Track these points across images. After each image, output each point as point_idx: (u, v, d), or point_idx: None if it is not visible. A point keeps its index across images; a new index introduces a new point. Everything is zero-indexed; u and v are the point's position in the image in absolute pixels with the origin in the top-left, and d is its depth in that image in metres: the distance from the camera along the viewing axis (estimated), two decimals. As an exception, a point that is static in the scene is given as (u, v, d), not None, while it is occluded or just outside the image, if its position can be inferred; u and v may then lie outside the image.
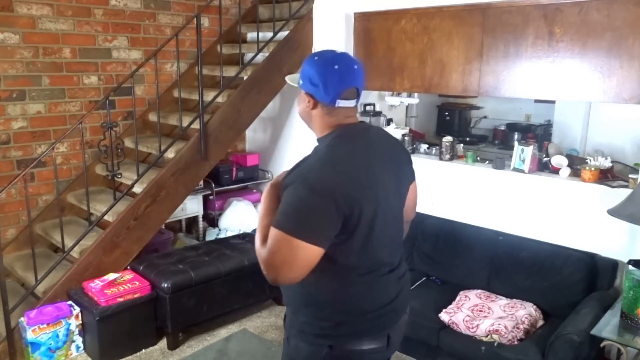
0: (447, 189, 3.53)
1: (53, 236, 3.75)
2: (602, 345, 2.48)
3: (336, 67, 1.51)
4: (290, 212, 1.40)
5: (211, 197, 4.86)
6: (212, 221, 4.94)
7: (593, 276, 2.88)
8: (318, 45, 4.06)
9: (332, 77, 1.50)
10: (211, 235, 4.73)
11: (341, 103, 1.52)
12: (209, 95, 3.98)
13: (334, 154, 1.49)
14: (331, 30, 3.94)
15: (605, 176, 2.98)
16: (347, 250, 1.49)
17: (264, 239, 1.44)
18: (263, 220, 1.50)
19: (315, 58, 1.55)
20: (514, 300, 3.02)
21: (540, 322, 2.88)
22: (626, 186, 2.84)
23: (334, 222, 1.41)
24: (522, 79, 3.15)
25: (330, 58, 1.54)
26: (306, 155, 1.56)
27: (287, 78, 1.68)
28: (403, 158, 1.69)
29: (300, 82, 1.57)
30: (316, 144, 1.59)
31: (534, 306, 2.93)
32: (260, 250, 1.44)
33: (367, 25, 3.85)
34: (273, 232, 1.40)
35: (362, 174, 1.49)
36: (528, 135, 4.50)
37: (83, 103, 4.12)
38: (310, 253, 1.39)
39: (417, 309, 3.05)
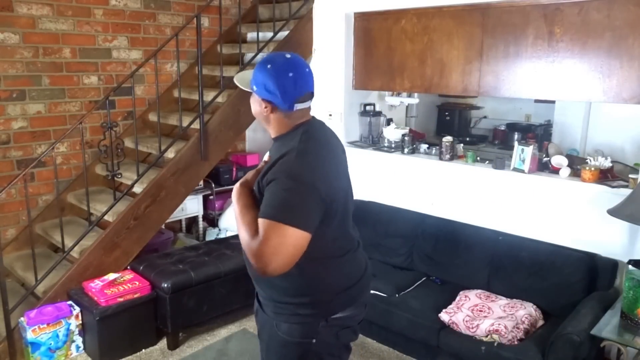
0: (447, 189, 3.53)
1: (53, 236, 3.75)
2: (602, 345, 2.48)
3: (290, 74, 1.58)
4: (277, 202, 1.48)
5: (211, 197, 4.86)
6: (212, 221, 4.95)
7: (593, 276, 2.88)
8: (318, 45, 4.06)
9: (288, 85, 1.58)
10: (211, 235, 4.73)
11: (298, 106, 1.63)
12: (209, 95, 3.99)
13: (309, 150, 1.59)
14: (331, 30, 3.94)
15: (605, 176, 2.98)
16: (327, 238, 1.62)
17: (254, 233, 1.48)
18: (245, 217, 1.55)
19: (268, 67, 1.59)
20: (514, 300, 3.02)
21: (540, 322, 2.88)
22: (626, 186, 2.84)
23: (318, 209, 1.53)
24: (522, 79, 3.15)
25: (282, 65, 1.59)
26: (281, 154, 1.58)
27: (237, 80, 1.69)
28: (341, 147, 1.83)
29: (255, 88, 1.63)
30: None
31: (534, 306, 2.93)
32: (251, 242, 1.48)
33: (367, 25, 3.85)
34: (263, 222, 1.46)
35: (333, 165, 1.66)
36: (528, 135, 4.50)
37: (83, 103, 4.12)
38: (299, 238, 1.46)
39: (417, 309, 3.06)
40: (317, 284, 1.66)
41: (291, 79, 1.57)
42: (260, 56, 4.19)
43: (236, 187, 1.67)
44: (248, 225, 1.51)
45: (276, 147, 1.68)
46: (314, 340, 1.69)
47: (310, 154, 1.58)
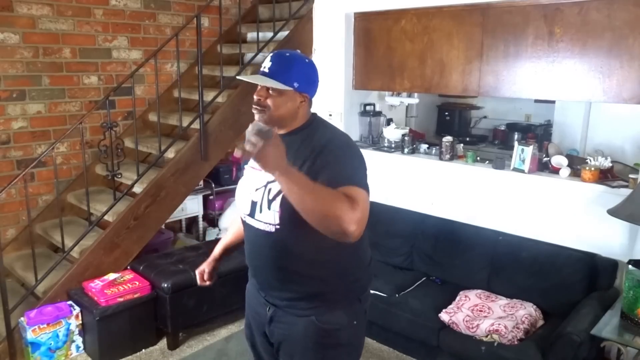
0: (447, 189, 3.53)
1: (53, 236, 3.75)
2: (602, 345, 2.49)
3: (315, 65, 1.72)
4: (351, 173, 1.55)
5: (211, 197, 4.86)
6: (212, 221, 4.95)
7: (593, 276, 2.88)
8: (318, 45, 4.06)
9: (318, 75, 1.71)
10: (211, 235, 4.73)
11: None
12: (209, 95, 3.98)
13: (345, 134, 1.71)
14: (331, 30, 3.94)
15: (605, 176, 2.98)
16: None
17: (349, 200, 1.42)
18: (324, 189, 1.42)
19: (307, 60, 1.67)
20: (514, 300, 3.02)
21: (540, 322, 2.88)
22: (626, 186, 2.84)
23: None
24: (522, 79, 3.15)
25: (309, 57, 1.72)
26: (323, 143, 1.59)
27: (274, 84, 1.60)
28: None
29: (296, 85, 1.61)
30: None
31: (534, 306, 2.93)
32: (350, 212, 1.40)
33: (367, 25, 3.85)
34: (358, 191, 1.47)
35: None
36: (528, 135, 4.50)
37: (83, 103, 4.12)
38: (369, 202, 1.54)
39: (417, 309, 3.06)
40: (353, 262, 1.72)
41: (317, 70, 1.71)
42: (260, 56, 4.18)
43: (288, 169, 1.39)
44: (337, 195, 1.42)
45: (299, 139, 1.64)
46: (355, 322, 1.73)
47: (349, 137, 1.70)
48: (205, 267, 2.01)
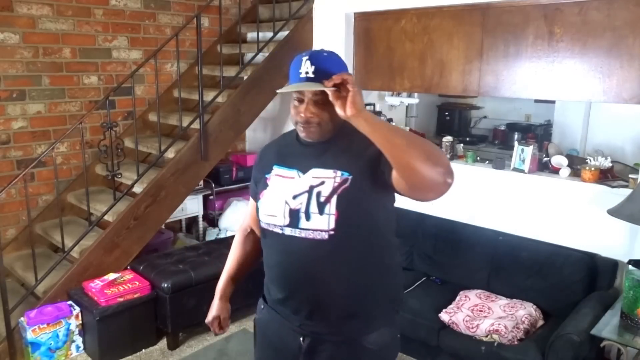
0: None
1: (53, 236, 3.75)
2: (602, 345, 2.48)
3: None
4: None
5: (211, 197, 4.86)
6: (212, 221, 4.95)
7: (593, 276, 2.88)
8: (318, 45, 4.06)
9: None
10: (211, 235, 4.73)
11: None
12: (209, 95, 3.98)
13: None
14: (331, 30, 3.94)
15: (605, 176, 2.98)
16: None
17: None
18: (413, 134, 1.34)
19: (340, 57, 1.52)
20: (514, 300, 3.01)
21: (540, 322, 2.88)
22: (626, 186, 2.84)
23: None
24: (522, 79, 3.15)
25: None
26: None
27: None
28: None
29: None
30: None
31: (534, 306, 2.93)
32: (443, 155, 1.33)
33: (367, 25, 3.85)
34: None
35: None
36: (528, 135, 4.51)
37: (83, 103, 4.12)
38: None
39: (417, 309, 3.06)
40: (393, 265, 1.64)
41: None
42: (260, 56, 4.18)
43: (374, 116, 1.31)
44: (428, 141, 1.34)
45: (341, 137, 1.50)
46: (398, 335, 1.65)
47: None
48: (217, 313, 1.83)
